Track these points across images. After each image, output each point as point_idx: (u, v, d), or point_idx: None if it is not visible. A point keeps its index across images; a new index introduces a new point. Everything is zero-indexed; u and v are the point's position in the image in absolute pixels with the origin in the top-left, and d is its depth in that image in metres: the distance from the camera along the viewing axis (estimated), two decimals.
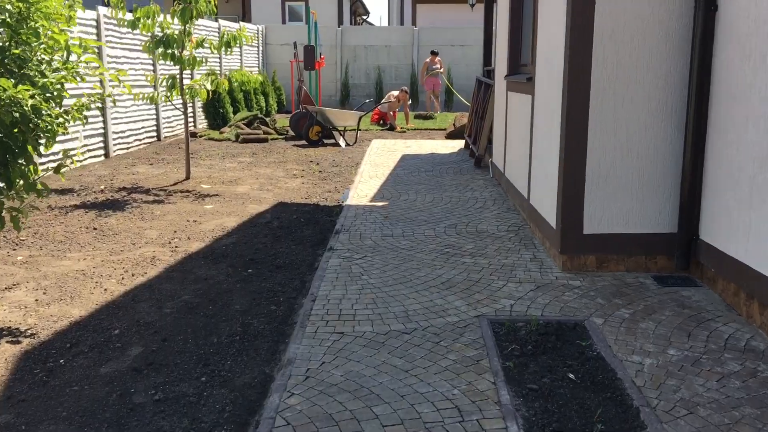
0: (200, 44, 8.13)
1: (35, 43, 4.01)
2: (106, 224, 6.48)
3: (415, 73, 20.69)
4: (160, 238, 6.05)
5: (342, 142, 12.03)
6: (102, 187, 8.26)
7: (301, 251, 5.64)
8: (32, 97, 3.81)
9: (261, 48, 20.73)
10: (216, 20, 16.71)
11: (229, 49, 8.08)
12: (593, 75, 4.76)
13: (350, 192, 7.93)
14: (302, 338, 3.84)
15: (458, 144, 12.31)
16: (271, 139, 13.01)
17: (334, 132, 12.63)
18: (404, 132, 14.60)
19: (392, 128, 15.18)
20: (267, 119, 13.84)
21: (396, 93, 15.47)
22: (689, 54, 4.70)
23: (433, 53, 19.07)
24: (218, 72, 15.88)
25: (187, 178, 8.64)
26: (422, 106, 20.50)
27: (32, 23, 3.96)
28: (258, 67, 20.17)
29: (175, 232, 6.25)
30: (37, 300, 4.57)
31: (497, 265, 5.11)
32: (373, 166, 9.85)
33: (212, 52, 8.25)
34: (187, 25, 7.83)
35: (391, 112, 15.40)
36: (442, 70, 19.28)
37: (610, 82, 4.77)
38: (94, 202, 7.46)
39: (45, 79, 4.00)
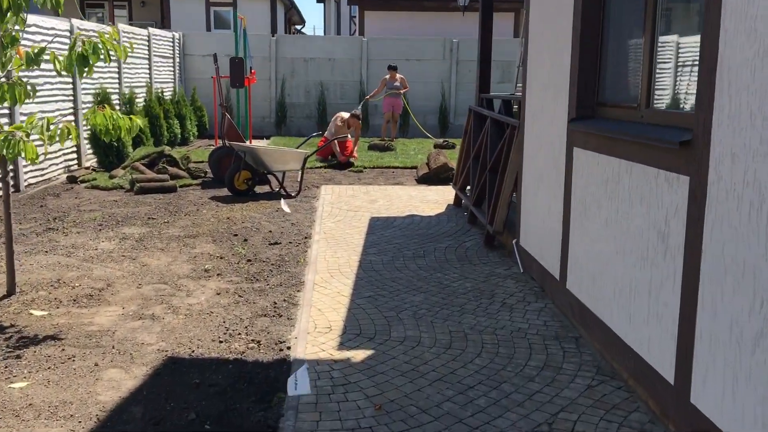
0: (35, 59, 4.64)
1: None
2: None
3: (364, 92, 17.44)
4: None
5: (285, 207, 7.96)
6: None
7: None
8: None
9: (178, 59, 17.09)
10: (130, 24, 13.06)
11: (86, 68, 4.60)
12: None
13: (301, 317, 4.56)
14: None
15: (440, 195, 9.07)
16: (182, 186, 9.49)
17: (270, 175, 9.21)
18: (360, 171, 11.28)
19: (342, 165, 11.89)
20: (177, 157, 10.29)
21: (345, 115, 12.14)
22: None
23: (392, 68, 15.89)
24: (113, 90, 12.23)
25: (9, 293, 4.92)
26: (374, 131, 17.22)
27: None
28: (173, 82, 16.51)
29: None
30: None
31: None
32: (330, 243, 6.50)
33: (60, 73, 4.77)
34: None
35: (344, 143, 12.07)
36: (404, 89, 16.09)
37: None
38: None
39: None
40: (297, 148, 9.71)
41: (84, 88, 10.91)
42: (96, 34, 4.80)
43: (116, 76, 12.52)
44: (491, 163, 6.60)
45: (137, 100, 12.82)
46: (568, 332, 4.31)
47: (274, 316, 4.62)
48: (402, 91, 16.01)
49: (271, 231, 7.02)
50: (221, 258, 6.00)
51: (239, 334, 4.29)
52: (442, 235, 6.83)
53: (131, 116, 4.90)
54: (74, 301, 4.84)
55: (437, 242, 6.56)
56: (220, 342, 4.16)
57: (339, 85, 17.84)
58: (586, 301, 4.16)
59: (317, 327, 4.36)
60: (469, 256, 6.11)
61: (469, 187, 8.02)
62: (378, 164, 11.83)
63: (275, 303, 4.87)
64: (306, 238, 6.78)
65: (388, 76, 16.12)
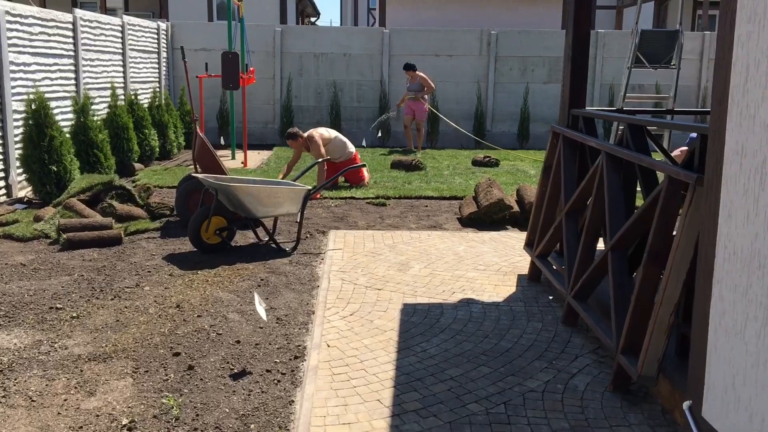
0: None
1: None
2: None
3: (385, 93, 14.64)
4: None
5: (261, 307, 4.22)
6: None
7: None
8: None
9: (165, 54, 14.37)
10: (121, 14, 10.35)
11: None
12: None
13: None
14: None
15: (501, 252, 6.22)
16: (133, 234, 6.74)
17: (258, 221, 6.43)
18: (383, 205, 8.47)
19: (356, 185, 9.23)
20: (133, 189, 7.53)
21: (326, 134, 9.36)
22: None
23: (409, 67, 13.18)
24: (64, 95, 9.49)
25: None
26: (396, 139, 14.40)
27: None
28: (158, 82, 13.79)
29: None
30: None
31: None
32: (337, 379, 3.70)
33: None
34: None
35: (357, 172, 9.32)
36: (426, 91, 13.29)
37: None
38: None
39: None
40: (296, 180, 6.92)
41: (17, 93, 8.19)
42: None
43: (72, 76, 9.81)
44: (619, 236, 3.77)
45: (97, 107, 10.09)
46: None
47: None
48: (423, 94, 13.21)
49: (239, 341, 4.22)
50: (131, 428, 3.22)
51: None
52: (527, 357, 4.00)
53: None
54: None
55: (522, 377, 3.74)
56: None
57: (356, 85, 15.06)
58: None
59: None
60: (591, 418, 3.30)
61: (555, 250, 5.19)
62: (405, 193, 9.00)
63: None
64: (296, 357, 3.99)
65: (408, 78, 13.36)
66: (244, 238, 6.75)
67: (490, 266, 5.79)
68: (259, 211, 6.17)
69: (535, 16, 19.11)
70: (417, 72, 13.32)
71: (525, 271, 5.61)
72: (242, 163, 11.47)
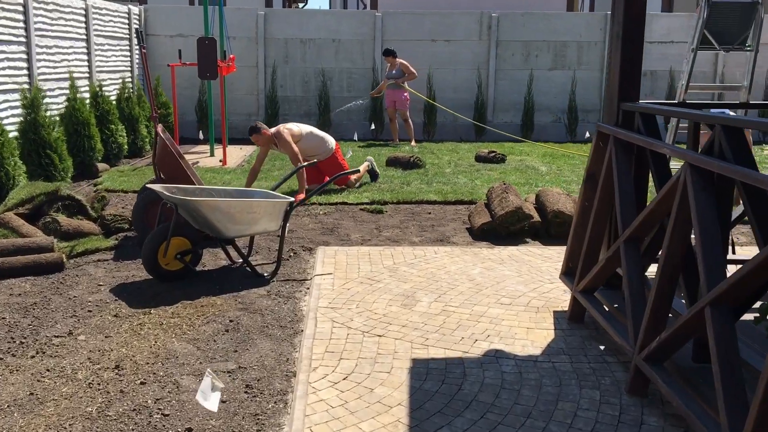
0: None
1: None
2: None
3: (378, 81, 13.46)
4: None
5: (208, 402, 3.14)
6: None
7: None
8: None
9: (137, 41, 13.11)
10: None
11: None
12: None
13: None
14: None
15: (526, 277, 5.08)
16: (80, 255, 5.58)
17: (229, 242, 5.27)
18: (379, 212, 7.34)
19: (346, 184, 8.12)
20: (84, 199, 6.35)
21: (295, 129, 8.12)
22: None
23: (389, 53, 12.13)
24: (12, 87, 8.27)
25: None
26: (390, 133, 13.26)
27: None
28: (129, 70, 12.55)
29: None
30: None
31: None
32: None
33: None
34: None
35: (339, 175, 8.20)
36: (407, 77, 12.16)
37: None
38: None
39: None
40: (275, 189, 5.76)
41: None
42: None
43: (23, 65, 8.59)
44: (728, 288, 2.65)
45: (55, 100, 8.89)
46: None
47: None
48: (404, 80, 12.09)
49: (191, 429, 3.09)
50: None
51: None
52: None
53: None
54: None
55: None
56: None
57: (346, 73, 13.87)
58: None
59: None
60: None
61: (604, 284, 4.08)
62: (404, 197, 7.86)
63: None
64: None
65: (388, 65, 12.23)
66: (213, 258, 5.61)
67: (516, 298, 4.67)
68: (231, 230, 5.03)
69: None
70: (397, 59, 12.19)
71: (561, 305, 4.50)
72: (221, 161, 10.29)
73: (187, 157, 11.02)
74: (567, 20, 14.00)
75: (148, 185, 5.02)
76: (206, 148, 11.49)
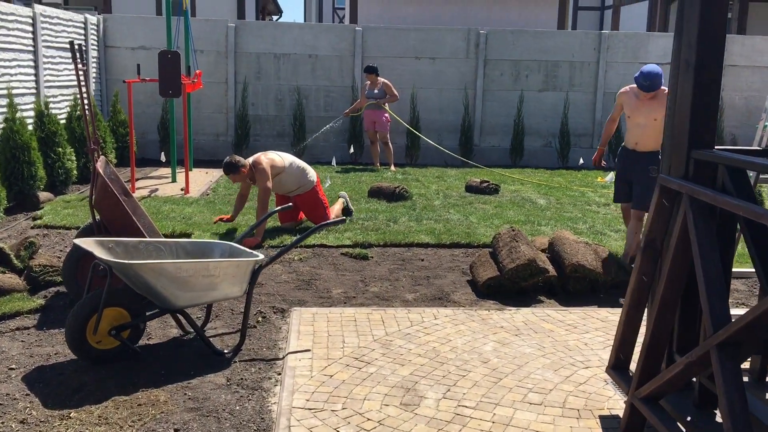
0: None
1: None
2: None
3: (357, 100, 12.46)
4: None
5: None
6: None
7: None
8: None
9: (96, 53, 11.99)
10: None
11: None
12: None
13: None
14: None
15: (553, 359, 4.05)
16: None
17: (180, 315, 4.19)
18: (364, 258, 6.29)
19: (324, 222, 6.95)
20: (6, 246, 5.22)
21: (265, 159, 6.97)
22: None
23: (371, 70, 11.23)
24: None
25: None
26: (367, 155, 12.25)
27: None
28: (84, 86, 11.36)
29: None
30: None
31: None
32: None
33: None
34: None
35: (318, 211, 7.14)
36: (389, 99, 11.25)
37: None
38: None
39: None
40: (241, 240, 4.69)
41: None
42: None
43: None
44: None
45: None
46: None
47: None
48: (383, 102, 11.19)
49: None
50: None
51: None
52: None
53: None
54: None
55: None
56: None
57: (323, 92, 12.84)
58: None
59: None
60: None
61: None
62: (391, 238, 6.83)
63: None
64: None
65: (368, 83, 11.30)
66: (161, 326, 4.53)
67: (547, 393, 3.65)
68: (181, 299, 3.95)
69: (530, 14, 17.11)
70: (380, 77, 11.25)
71: (605, 404, 3.50)
72: (182, 189, 9.19)
73: (145, 182, 9.92)
74: (559, 39, 13.16)
75: (75, 242, 3.94)
76: (168, 171, 10.39)
